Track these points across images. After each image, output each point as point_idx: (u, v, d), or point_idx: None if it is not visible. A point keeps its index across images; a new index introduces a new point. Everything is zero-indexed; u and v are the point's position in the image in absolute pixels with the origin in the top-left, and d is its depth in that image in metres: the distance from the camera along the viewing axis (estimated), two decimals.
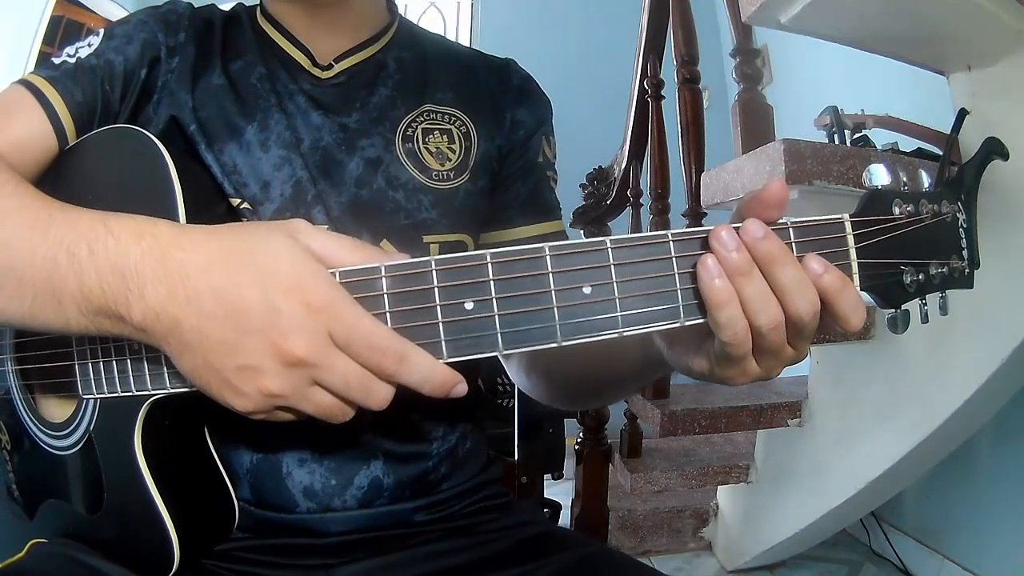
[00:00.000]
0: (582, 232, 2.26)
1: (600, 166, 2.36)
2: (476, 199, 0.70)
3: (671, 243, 0.41)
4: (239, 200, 0.63)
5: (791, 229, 0.42)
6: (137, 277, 0.41)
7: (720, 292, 0.40)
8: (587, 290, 0.40)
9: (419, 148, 0.68)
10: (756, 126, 1.96)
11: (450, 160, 0.69)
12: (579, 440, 1.88)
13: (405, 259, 0.42)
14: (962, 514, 1.73)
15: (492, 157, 0.72)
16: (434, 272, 0.41)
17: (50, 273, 0.43)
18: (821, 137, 2.25)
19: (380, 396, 0.42)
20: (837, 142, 2.15)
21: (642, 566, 0.64)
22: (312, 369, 0.41)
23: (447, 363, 0.42)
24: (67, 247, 0.43)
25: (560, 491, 1.72)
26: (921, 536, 1.86)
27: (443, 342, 0.41)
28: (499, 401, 1.24)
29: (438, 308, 0.41)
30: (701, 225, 1.70)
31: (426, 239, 0.66)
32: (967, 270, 0.43)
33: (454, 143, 0.69)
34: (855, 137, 2.10)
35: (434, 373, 0.41)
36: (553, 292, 0.40)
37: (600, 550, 0.65)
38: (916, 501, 1.88)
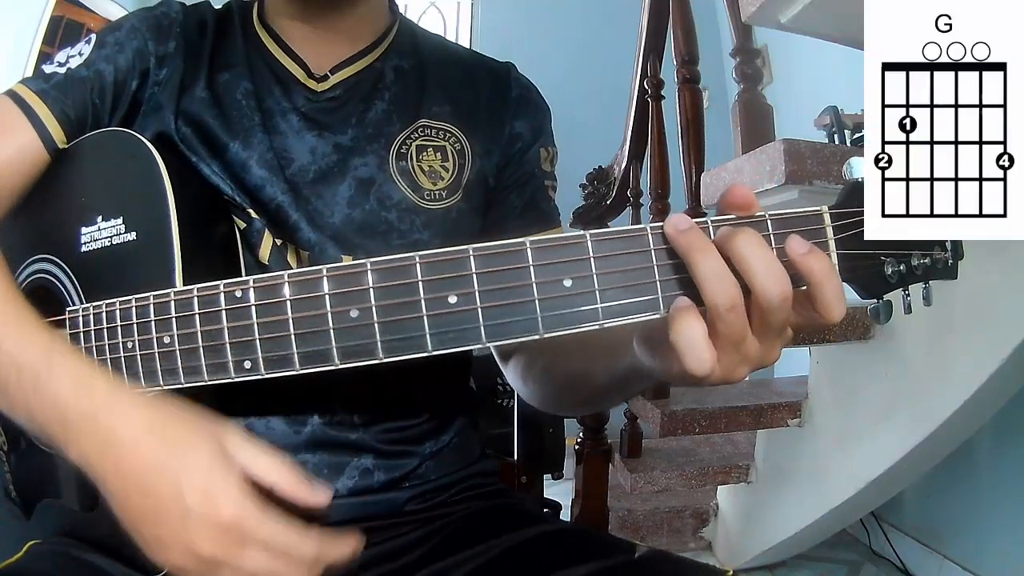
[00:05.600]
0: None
1: (600, 166, 2.36)
2: (469, 219, 0.69)
3: (650, 235, 0.41)
4: (231, 212, 0.63)
5: (769, 221, 0.42)
6: (74, 428, 0.45)
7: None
8: (568, 283, 0.41)
9: (412, 166, 0.67)
10: (756, 126, 1.96)
11: (443, 179, 0.67)
12: (579, 440, 1.88)
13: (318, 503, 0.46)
14: (962, 514, 1.72)
15: (487, 174, 0.70)
16: (418, 266, 0.42)
17: (4, 382, 0.47)
18: (821, 137, 2.25)
19: None
20: (837, 142, 2.16)
21: (611, 538, 0.64)
22: (221, 565, 0.43)
23: (435, 354, 0.43)
24: (17, 369, 0.47)
25: (560, 491, 1.72)
26: (921, 536, 1.85)
27: (428, 335, 0.42)
28: (499, 401, 1.25)
29: (422, 302, 0.42)
30: None
31: None
32: (950, 261, 0.43)
33: (447, 161, 0.68)
34: (855, 137, 2.10)
35: (345, 554, 0.46)
36: (535, 285, 0.41)
37: (570, 527, 0.66)
38: (916, 501, 1.88)
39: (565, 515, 1.61)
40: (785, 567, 1.94)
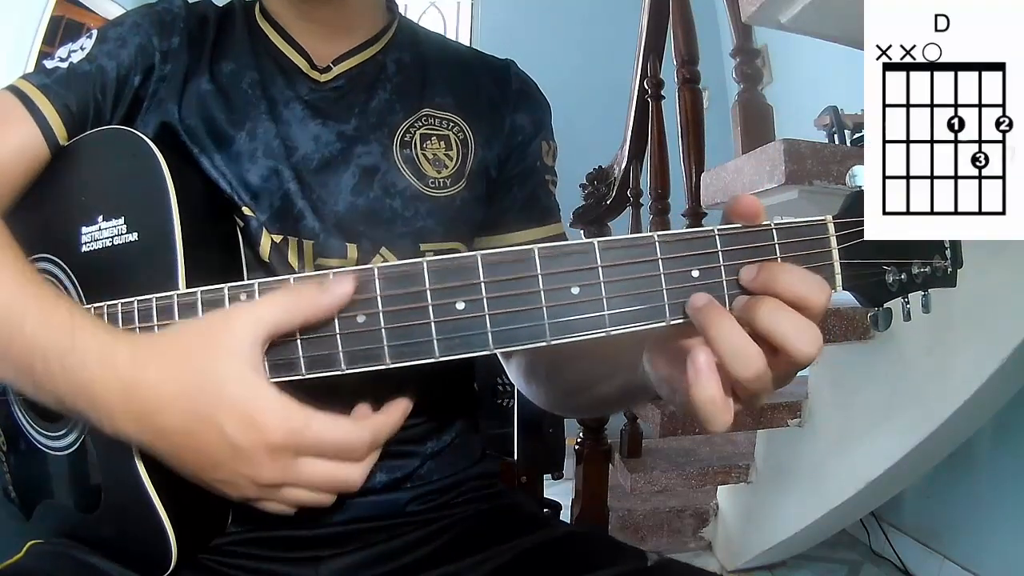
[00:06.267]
0: (582, 232, 2.26)
1: (600, 166, 2.36)
2: (472, 208, 0.70)
3: (657, 244, 0.41)
4: (233, 209, 0.63)
5: (775, 231, 0.42)
6: (105, 405, 0.45)
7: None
8: (575, 290, 0.41)
9: (416, 154, 0.67)
10: (756, 126, 1.96)
11: (447, 167, 0.68)
12: (579, 440, 1.88)
13: (340, 287, 0.43)
14: (962, 514, 1.72)
15: (489, 164, 0.71)
16: (426, 273, 0.42)
17: (28, 367, 0.47)
18: (821, 137, 2.25)
19: (353, 482, 0.48)
20: (837, 142, 2.16)
21: (617, 543, 0.64)
22: (285, 485, 0.46)
23: (439, 360, 0.43)
24: (41, 352, 0.46)
25: (560, 491, 1.72)
26: (921, 536, 1.85)
27: (435, 341, 0.42)
28: (499, 401, 1.24)
29: (430, 308, 0.42)
30: (701, 225, 1.71)
31: (423, 247, 0.66)
32: (950, 269, 0.44)
33: (451, 150, 0.68)
34: (855, 137, 2.11)
35: (396, 422, 0.48)
36: (542, 292, 0.41)
37: (575, 530, 0.66)
38: (916, 501, 1.88)
39: (565, 515, 1.62)
40: (785, 567, 1.94)
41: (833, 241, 0.42)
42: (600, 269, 0.41)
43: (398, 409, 0.48)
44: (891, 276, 0.43)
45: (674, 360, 0.45)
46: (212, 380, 0.43)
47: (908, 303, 0.44)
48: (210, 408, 0.43)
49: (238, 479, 0.45)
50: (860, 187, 0.42)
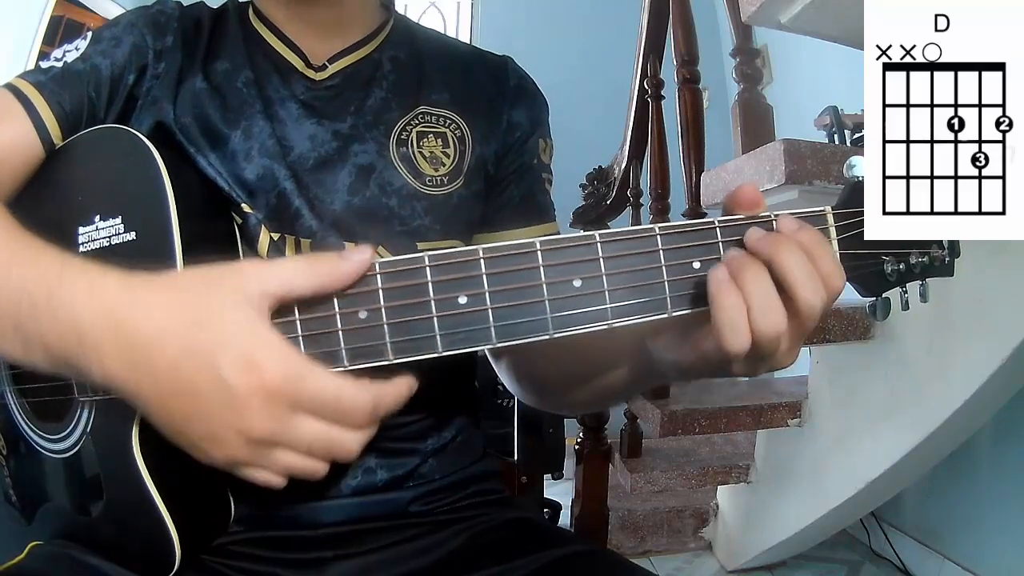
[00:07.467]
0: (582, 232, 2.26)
1: (600, 166, 2.36)
2: (470, 205, 0.69)
3: (658, 236, 0.41)
4: (230, 208, 0.63)
5: (774, 221, 0.42)
6: (94, 341, 0.42)
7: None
8: (577, 283, 0.41)
9: (413, 152, 0.67)
10: (756, 126, 1.96)
11: (444, 165, 0.68)
12: (579, 440, 1.87)
13: (360, 255, 0.42)
14: (962, 514, 1.72)
15: (487, 161, 0.71)
16: (428, 267, 0.42)
17: (15, 315, 0.44)
18: (821, 137, 2.26)
19: (348, 449, 0.44)
20: (837, 142, 2.16)
21: (632, 566, 0.63)
22: (277, 442, 0.42)
23: (441, 356, 0.43)
24: (29, 293, 0.44)
25: (560, 491, 1.72)
26: (921, 536, 1.85)
27: (438, 336, 0.42)
28: (499, 401, 1.25)
29: (432, 303, 0.42)
30: None
31: (420, 246, 0.66)
32: (948, 259, 0.44)
33: (448, 147, 0.68)
34: (855, 137, 2.11)
35: (401, 394, 0.44)
36: (544, 285, 0.41)
37: (592, 549, 0.65)
38: (916, 501, 1.88)
39: (565, 515, 1.62)
40: (785, 567, 1.94)
41: (832, 232, 0.43)
42: (602, 261, 0.41)
43: (403, 383, 0.44)
44: (889, 266, 0.43)
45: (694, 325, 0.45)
46: (213, 316, 0.41)
47: (906, 293, 0.45)
48: (207, 344, 0.40)
49: (227, 432, 0.41)
50: (858, 177, 0.43)
